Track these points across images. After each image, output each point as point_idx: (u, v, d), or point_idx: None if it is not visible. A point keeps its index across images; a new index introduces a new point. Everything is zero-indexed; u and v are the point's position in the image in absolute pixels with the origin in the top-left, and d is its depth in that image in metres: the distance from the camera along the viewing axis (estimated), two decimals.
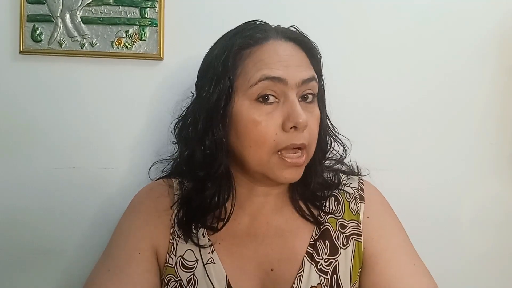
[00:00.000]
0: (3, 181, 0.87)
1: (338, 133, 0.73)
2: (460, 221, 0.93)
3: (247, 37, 0.62)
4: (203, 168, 0.64)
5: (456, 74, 0.92)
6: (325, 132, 0.70)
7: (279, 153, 0.60)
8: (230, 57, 0.61)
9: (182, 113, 0.72)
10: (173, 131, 0.73)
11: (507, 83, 0.93)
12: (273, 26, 0.67)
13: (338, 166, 0.76)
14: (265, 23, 0.67)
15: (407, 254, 0.66)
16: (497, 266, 0.93)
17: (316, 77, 0.64)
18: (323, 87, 0.70)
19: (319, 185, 0.69)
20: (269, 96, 0.60)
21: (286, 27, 0.68)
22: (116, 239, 0.67)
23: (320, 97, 0.67)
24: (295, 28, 0.67)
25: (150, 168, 0.81)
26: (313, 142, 0.63)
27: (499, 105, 0.93)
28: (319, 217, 0.68)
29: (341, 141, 0.74)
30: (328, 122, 0.71)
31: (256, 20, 0.66)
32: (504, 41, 0.92)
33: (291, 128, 0.59)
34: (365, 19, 0.91)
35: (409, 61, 0.92)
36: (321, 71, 0.69)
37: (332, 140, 0.72)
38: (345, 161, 0.76)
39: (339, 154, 0.74)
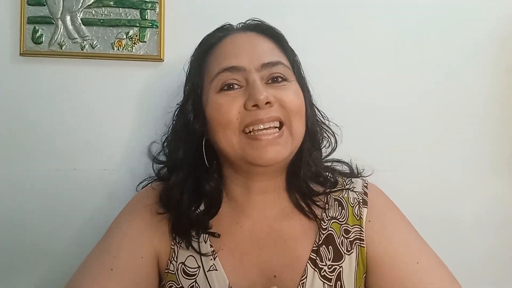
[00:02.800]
0: (4, 183, 0.87)
1: (328, 120, 0.72)
2: (460, 221, 0.93)
3: (209, 37, 0.68)
4: (191, 170, 0.66)
5: (456, 74, 0.92)
6: (313, 119, 0.69)
7: (250, 133, 0.60)
8: (197, 59, 0.67)
9: (173, 115, 0.72)
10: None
11: (507, 83, 0.93)
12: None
13: (339, 166, 0.75)
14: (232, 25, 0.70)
15: (410, 253, 0.64)
16: (498, 265, 0.93)
17: (284, 62, 0.64)
18: (301, 71, 0.69)
19: (311, 173, 0.67)
20: (233, 84, 0.61)
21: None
22: (115, 238, 0.65)
23: (298, 81, 0.66)
24: (257, 20, 0.69)
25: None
26: (294, 116, 0.61)
27: (499, 105, 0.93)
28: (320, 214, 0.67)
29: (331, 130, 0.73)
30: (315, 109, 0.71)
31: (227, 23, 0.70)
32: (504, 41, 0.92)
33: (253, 106, 0.59)
34: (365, 20, 0.91)
35: (409, 61, 0.92)
36: (295, 55, 0.68)
37: (323, 129, 0.71)
38: (346, 161, 0.76)
39: (330, 142, 0.73)
